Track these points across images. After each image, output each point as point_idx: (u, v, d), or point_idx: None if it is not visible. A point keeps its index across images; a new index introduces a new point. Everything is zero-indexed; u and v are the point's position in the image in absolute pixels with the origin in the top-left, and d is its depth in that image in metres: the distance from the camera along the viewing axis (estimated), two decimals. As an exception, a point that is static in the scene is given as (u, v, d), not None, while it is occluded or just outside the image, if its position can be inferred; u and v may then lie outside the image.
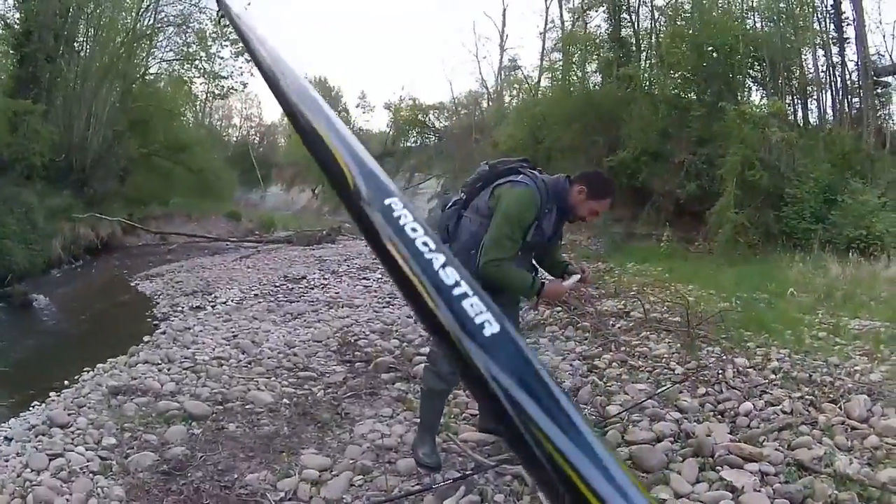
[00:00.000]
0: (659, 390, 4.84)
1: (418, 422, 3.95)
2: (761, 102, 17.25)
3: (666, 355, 5.84)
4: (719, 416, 4.48)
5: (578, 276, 3.68)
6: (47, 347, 8.42)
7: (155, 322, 8.77)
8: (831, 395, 4.68)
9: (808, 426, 4.18)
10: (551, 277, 3.78)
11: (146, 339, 7.29)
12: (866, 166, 14.80)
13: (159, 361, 6.06)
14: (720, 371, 5.19)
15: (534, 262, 3.80)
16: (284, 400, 4.90)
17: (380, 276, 11.78)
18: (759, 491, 3.35)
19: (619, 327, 7.01)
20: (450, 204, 3.83)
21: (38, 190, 16.38)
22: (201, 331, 7.57)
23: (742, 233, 13.90)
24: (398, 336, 6.97)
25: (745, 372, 5.26)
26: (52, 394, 5.49)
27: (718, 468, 3.63)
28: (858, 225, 12.54)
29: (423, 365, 4.37)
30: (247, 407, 4.76)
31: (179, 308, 9.66)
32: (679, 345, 6.10)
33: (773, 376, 5.16)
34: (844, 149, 15.13)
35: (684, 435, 4.12)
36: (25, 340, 8.85)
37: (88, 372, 6.01)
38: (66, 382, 5.78)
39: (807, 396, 4.66)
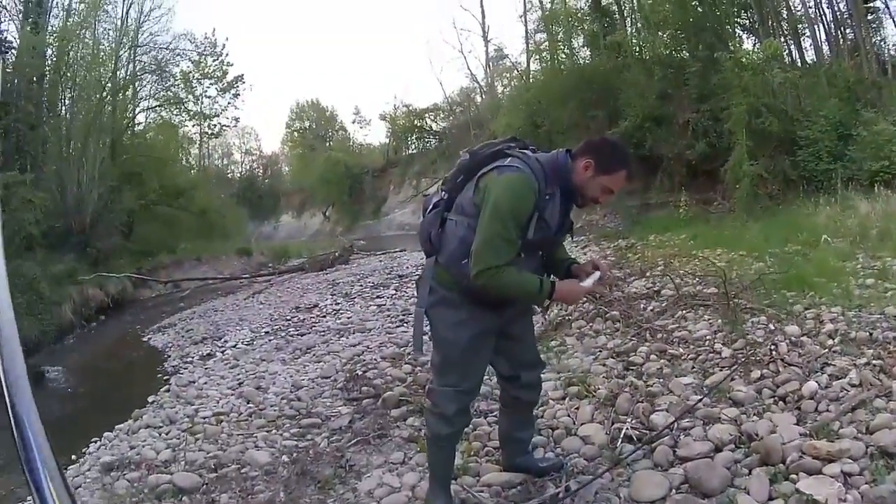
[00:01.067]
0: (707, 388, 4.20)
1: (428, 473, 3.34)
2: (755, 48, 16.67)
3: (708, 336, 5.23)
4: (781, 403, 3.86)
5: (598, 274, 2.98)
6: (59, 420, 7.96)
7: (165, 377, 8.28)
8: (900, 355, 4.10)
9: (882, 399, 3.58)
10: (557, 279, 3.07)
11: (151, 399, 6.77)
12: (874, 96, 14.16)
13: (160, 424, 5.56)
14: (773, 346, 4.58)
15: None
16: (283, 457, 4.33)
17: (393, 291, 11.31)
18: (845, 501, 2.72)
19: (651, 310, 6.41)
20: (430, 207, 3.12)
21: (40, 259, 16.10)
22: (206, 383, 7.08)
23: (760, 184, 13.33)
24: (410, 360, 6.39)
25: (799, 342, 4.66)
26: (60, 472, 5.03)
27: (793, 477, 2.97)
28: (879, 156, 11.99)
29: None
30: (242, 471, 4.21)
31: (189, 359, 9.20)
32: (720, 321, 5.50)
33: (830, 342, 4.56)
34: (848, 81, 14.50)
35: (746, 437, 3.46)
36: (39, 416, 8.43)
37: (95, 443, 5.54)
38: (73, 457, 5.29)
39: (873, 361, 4.07)
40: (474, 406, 3.66)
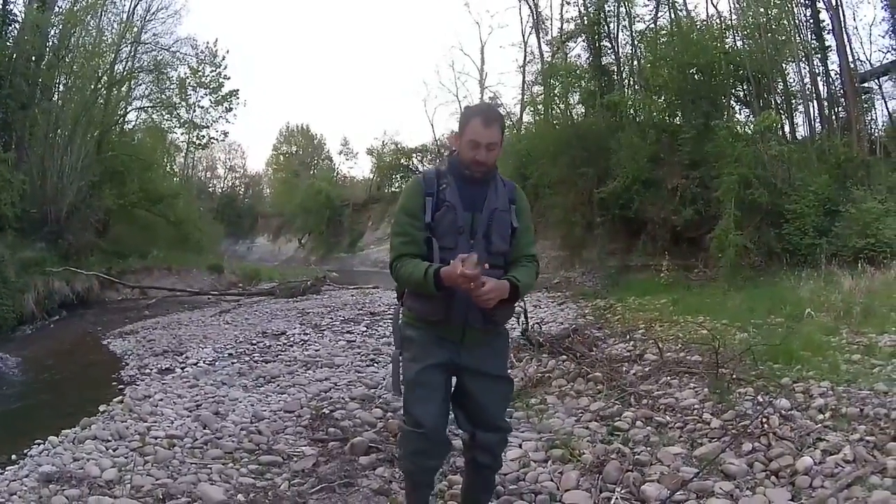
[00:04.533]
0: (697, 459, 4.06)
1: None
2: (749, 120, 16.85)
3: (696, 405, 5.07)
4: (774, 478, 3.76)
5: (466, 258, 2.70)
6: (3, 413, 7.46)
7: (120, 387, 7.87)
8: (891, 432, 4.09)
9: (878, 475, 3.55)
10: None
11: (102, 408, 6.35)
12: (863, 174, 14.24)
13: (109, 438, 5.22)
14: (763, 419, 4.41)
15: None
16: (239, 496, 3.99)
17: (364, 328, 11.03)
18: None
19: (635, 374, 6.25)
20: None
21: (10, 242, 15.76)
22: (162, 399, 6.70)
23: (744, 255, 13.28)
24: (382, 403, 6.10)
25: (789, 416, 4.53)
26: (-5, 470, 4.67)
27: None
28: (864, 234, 12.00)
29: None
30: (191, 507, 3.88)
31: (147, 370, 8.79)
32: (706, 390, 5.35)
33: (821, 416, 4.51)
34: (839, 158, 14.62)
35: (743, 514, 3.31)
36: None
37: (38, 445, 5.16)
38: (13, 457, 4.97)
39: (866, 438, 4.06)
40: (448, 461, 3.53)
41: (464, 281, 2.66)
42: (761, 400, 4.93)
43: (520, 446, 4.56)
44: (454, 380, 3.04)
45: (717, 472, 3.82)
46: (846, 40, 16.71)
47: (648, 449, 4.31)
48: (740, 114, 18.44)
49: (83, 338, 12.81)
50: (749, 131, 15.39)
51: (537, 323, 9.02)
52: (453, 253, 2.81)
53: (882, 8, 18.11)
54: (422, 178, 3.05)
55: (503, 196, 3.03)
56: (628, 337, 8.21)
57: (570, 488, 3.83)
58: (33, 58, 18.83)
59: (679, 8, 20.33)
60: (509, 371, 3.29)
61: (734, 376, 5.54)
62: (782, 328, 7.69)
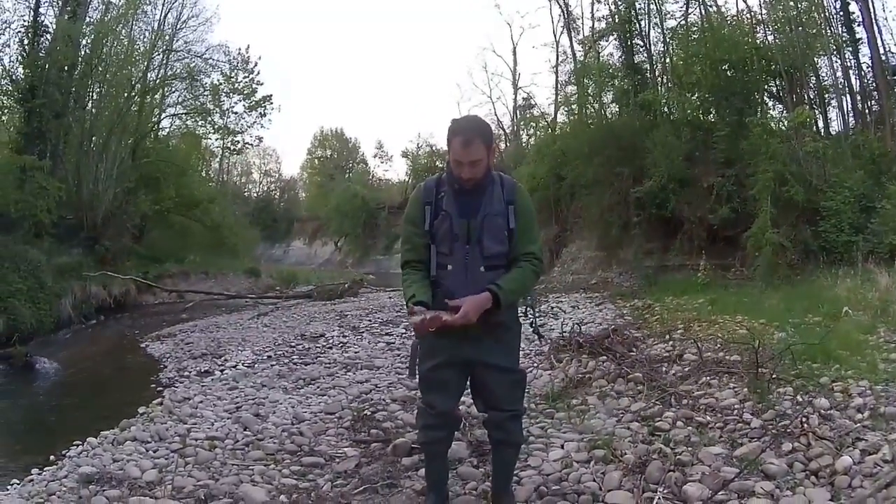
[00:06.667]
0: (738, 460, 4.08)
1: None
2: (782, 116, 16.60)
3: (736, 405, 5.08)
4: (813, 478, 3.78)
5: (444, 314, 3.04)
6: (41, 415, 7.82)
7: (159, 389, 8.08)
8: (930, 431, 4.04)
9: None
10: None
11: (141, 410, 6.53)
12: (897, 168, 13.95)
13: (149, 440, 5.35)
14: (803, 419, 4.41)
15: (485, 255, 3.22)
16: (282, 497, 4.08)
17: (403, 330, 11.09)
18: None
19: (674, 374, 6.25)
20: None
21: (47, 248, 16.20)
22: (202, 402, 6.85)
23: (781, 254, 13.09)
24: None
25: (829, 415, 4.53)
26: (34, 471, 4.82)
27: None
28: (901, 230, 11.67)
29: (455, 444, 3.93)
30: (234, 508, 3.97)
31: (186, 373, 9.01)
32: (746, 390, 5.35)
33: (859, 416, 4.49)
34: (874, 153, 14.30)
35: (784, 514, 3.33)
36: (20, 407, 8.26)
37: (77, 446, 5.35)
38: (51, 458, 5.16)
39: None
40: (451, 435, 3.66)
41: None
42: (800, 399, 4.93)
43: (562, 447, 4.61)
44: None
45: (757, 472, 3.84)
46: (877, 32, 16.31)
47: (689, 449, 4.33)
48: (773, 109, 18.19)
49: (121, 341, 13.12)
50: (783, 127, 15.22)
51: (577, 324, 9.07)
52: (450, 258, 3.19)
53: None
54: (422, 187, 3.32)
55: (499, 199, 3.23)
56: (667, 337, 8.17)
57: (613, 488, 3.89)
58: (66, 67, 19.19)
59: (709, 4, 20.11)
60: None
61: (774, 376, 5.51)
62: (820, 327, 7.57)
